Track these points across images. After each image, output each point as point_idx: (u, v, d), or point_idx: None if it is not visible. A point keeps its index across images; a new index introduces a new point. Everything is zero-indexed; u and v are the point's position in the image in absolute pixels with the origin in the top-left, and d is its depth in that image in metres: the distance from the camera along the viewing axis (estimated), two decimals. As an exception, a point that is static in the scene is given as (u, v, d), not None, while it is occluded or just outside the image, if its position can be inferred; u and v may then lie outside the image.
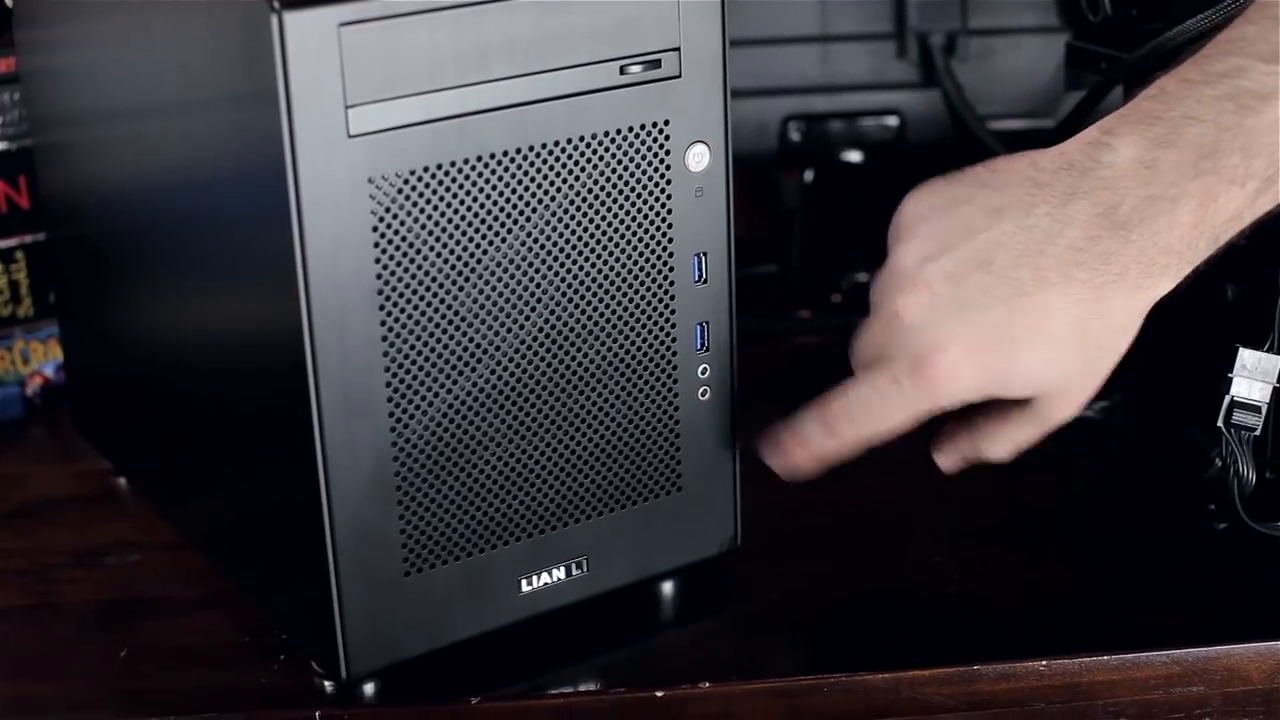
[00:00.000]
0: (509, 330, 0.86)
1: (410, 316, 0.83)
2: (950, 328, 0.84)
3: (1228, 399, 0.93)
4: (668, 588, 0.96)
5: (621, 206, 0.87)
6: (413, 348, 0.83)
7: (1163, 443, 1.04)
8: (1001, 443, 0.88)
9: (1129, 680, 0.90)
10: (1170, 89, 0.83)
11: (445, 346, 0.84)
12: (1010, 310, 0.83)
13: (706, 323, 0.91)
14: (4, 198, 1.22)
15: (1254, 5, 0.83)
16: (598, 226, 0.87)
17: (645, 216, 0.88)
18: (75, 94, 1.03)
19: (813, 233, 1.37)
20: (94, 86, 1.00)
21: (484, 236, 0.84)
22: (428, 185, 0.82)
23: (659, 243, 0.89)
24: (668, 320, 0.90)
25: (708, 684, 0.88)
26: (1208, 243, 0.82)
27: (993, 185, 0.86)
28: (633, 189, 0.87)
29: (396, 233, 0.81)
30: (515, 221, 0.84)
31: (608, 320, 0.88)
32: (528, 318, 0.86)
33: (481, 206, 0.83)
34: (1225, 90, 0.81)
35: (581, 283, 0.87)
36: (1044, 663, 0.89)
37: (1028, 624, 0.93)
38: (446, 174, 0.82)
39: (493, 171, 0.83)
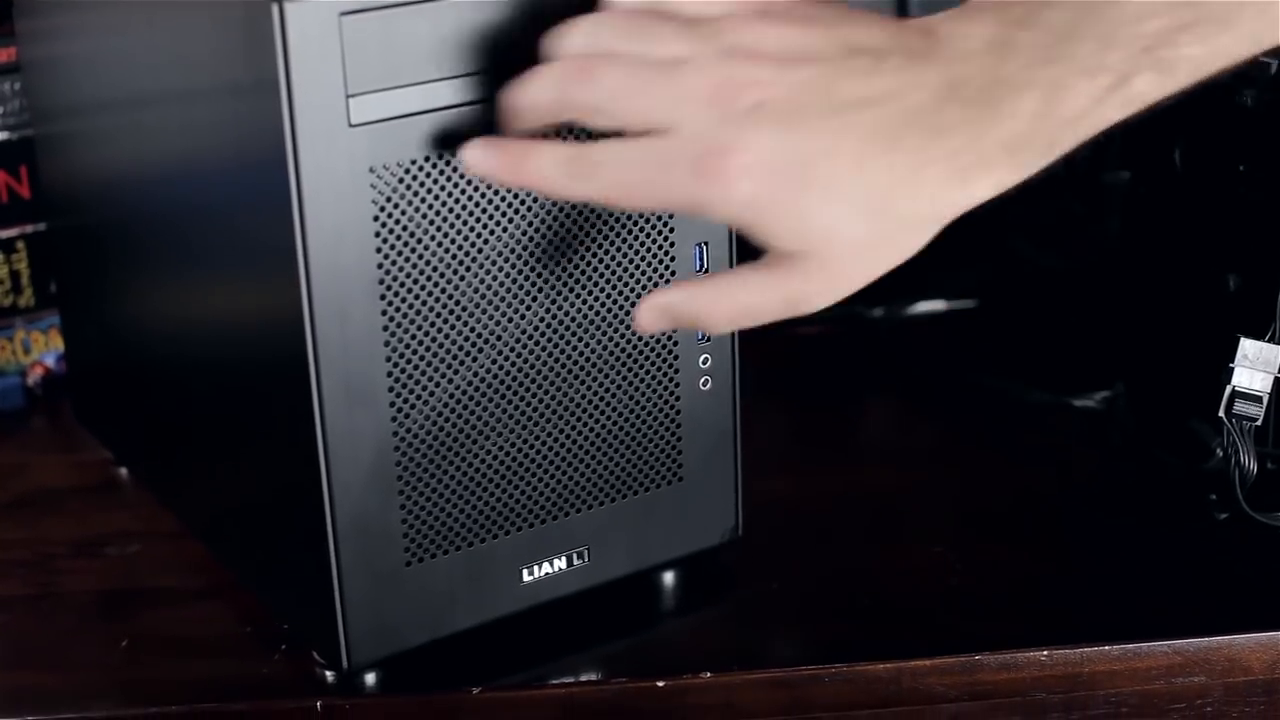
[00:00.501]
0: (510, 320, 0.86)
1: (411, 306, 0.83)
2: (760, 136, 0.75)
3: (1229, 389, 0.93)
4: (669, 578, 0.96)
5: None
6: (414, 337, 0.83)
7: (1164, 433, 1.04)
8: (727, 301, 0.78)
9: (1130, 670, 0.90)
10: None
11: (446, 336, 0.84)
12: (825, 150, 0.75)
13: (708, 312, 0.91)
14: (5, 188, 1.22)
15: None
16: (599, 215, 0.87)
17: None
18: (76, 84, 1.03)
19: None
20: (95, 77, 1.00)
21: (485, 226, 0.84)
22: (429, 175, 0.82)
23: (660, 232, 0.88)
24: (669, 310, 0.90)
25: (709, 674, 0.88)
26: (1046, 143, 0.75)
27: (859, 24, 0.78)
28: (634, 178, 0.87)
29: (397, 222, 0.81)
30: (516, 211, 0.84)
31: (609, 310, 0.88)
32: (529, 307, 0.86)
33: (482, 196, 0.83)
34: None
35: (582, 272, 0.87)
36: (1045, 653, 0.89)
37: (1029, 614, 0.93)
38: (447, 163, 0.82)
39: (494, 161, 0.83)
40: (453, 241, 0.83)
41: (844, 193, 0.75)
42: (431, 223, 0.82)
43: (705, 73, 0.75)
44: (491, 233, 0.84)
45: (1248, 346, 0.93)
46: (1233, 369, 0.93)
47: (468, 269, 0.84)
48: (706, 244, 0.90)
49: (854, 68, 0.76)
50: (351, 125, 0.79)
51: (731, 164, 0.74)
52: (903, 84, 0.76)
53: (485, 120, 0.82)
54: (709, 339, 0.92)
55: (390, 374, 0.83)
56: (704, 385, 0.92)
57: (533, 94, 0.78)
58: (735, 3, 0.78)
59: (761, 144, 0.74)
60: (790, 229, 0.75)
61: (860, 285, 0.77)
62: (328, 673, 0.89)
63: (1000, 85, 0.75)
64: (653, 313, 0.79)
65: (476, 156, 0.79)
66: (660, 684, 0.88)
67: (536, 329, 0.86)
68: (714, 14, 0.78)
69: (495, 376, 0.86)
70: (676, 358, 0.91)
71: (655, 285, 0.89)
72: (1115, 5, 0.75)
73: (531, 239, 0.85)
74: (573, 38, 0.78)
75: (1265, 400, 0.93)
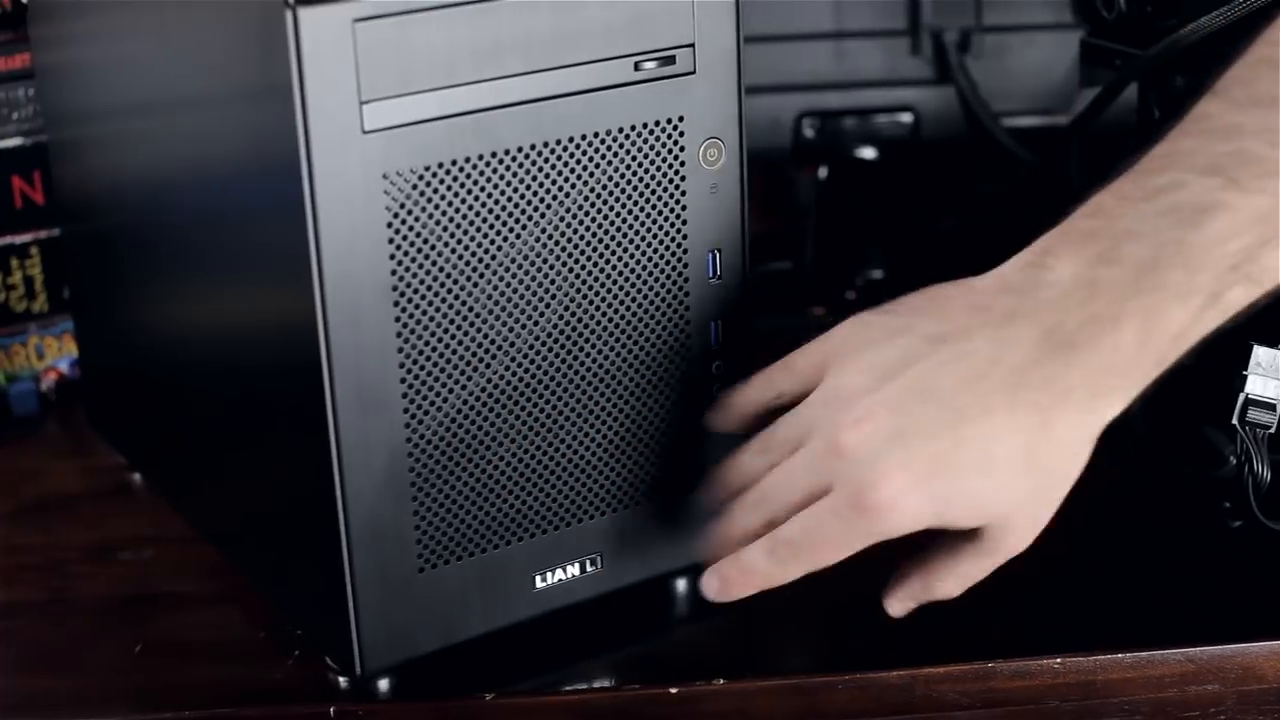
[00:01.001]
0: (523, 326, 0.86)
1: (424, 312, 0.83)
2: (893, 458, 0.81)
3: (1242, 397, 0.93)
4: (681, 584, 0.96)
5: (636, 203, 0.87)
6: (427, 343, 0.83)
7: (1178, 440, 1.04)
8: (952, 580, 0.85)
9: (1144, 678, 0.89)
10: (1108, 206, 0.81)
11: (460, 342, 0.84)
12: (954, 439, 0.80)
13: (721, 320, 0.91)
14: (19, 193, 1.22)
15: (1189, 118, 0.82)
16: (612, 223, 0.87)
17: (659, 213, 0.88)
18: (89, 90, 1.03)
19: (827, 229, 1.37)
20: (108, 82, 1.00)
21: (498, 232, 0.84)
22: (442, 181, 0.82)
23: (673, 239, 0.88)
24: (682, 317, 0.90)
25: (722, 681, 0.88)
26: (1154, 362, 0.80)
27: (930, 312, 0.84)
28: (647, 185, 0.87)
29: (411, 228, 0.81)
30: (530, 217, 0.84)
31: (622, 317, 0.88)
32: (542, 314, 0.86)
33: (496, 202, 0.83)
34: (1164, 205, 0.80)
35: (596, 279, 0.87)
36: (1059, 660, 0.89)
37: (1043, 621, 0.93)
38: (461, 170, 0.82)
39: (507, 167, 0.83)
40: (466, 248, 0.83)
41: (989, 469, 0.80)
42: (445, 229, 0.82)
43: (823, 434, 0.82)
44: (505, 240, 0.84)
45: (1261, 354, 0.93)
46: (1246, 376, 0.93)
47: (481, 276, 0.84)
48: (720, 251, 0.90)
49: (945, 357, 0.82)
50: (365, 131, 0.79)
51: (883, 496, 0.80)
52: (999, 350, 0.81)
53: (497, 127, 0.82)
54: (722, 345, 0.91)
55: (404, 380, 0.83)
56: (717, 393, 0.92)
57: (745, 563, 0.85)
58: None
59: (897, 465, 0.80)
60: (966, 515, 0.81)
61: (1047, 520, 0.83)
62: (341, 678, 0.89)
63: (1096, 323, 0.79)
64: (901, 604, 0.87)
65: (714, 587, 0.85)
66: (673, 690, 0.88)
67: (550, 336, 0.86)
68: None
69: (508, 383, 0.86)
70: (690, 365, 0.91)
71: (668, 293, 0.89)
72: (1196, 231, 0.79)
73: (545, 246, 0.85)
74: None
75: (1279, 408, 0.92)
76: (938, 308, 0.84)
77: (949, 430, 0.80)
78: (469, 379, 0.85)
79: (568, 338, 0.87)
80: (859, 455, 0.81)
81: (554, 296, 0.86)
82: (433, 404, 0.84)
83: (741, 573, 0.85)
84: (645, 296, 0.88)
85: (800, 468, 0.83)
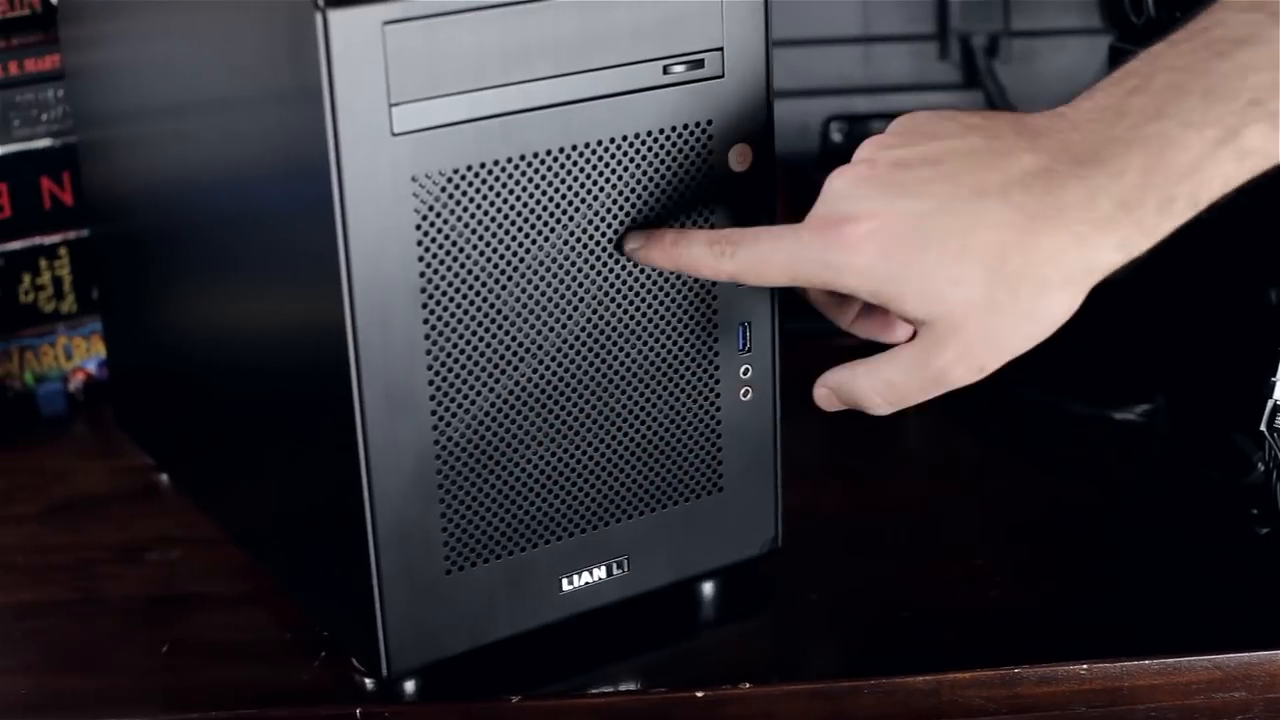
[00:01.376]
0: (551, 329, 0.86)
1: (453, 314, 0.83)
2: (873, 204, 0.80)
3: (1270, 403, 0.93)
4: (708, 588, 0.96)
5: (664, 206, 0.87)
6: (455, 346, 0.83)
7: (1205, 447, 1.03)
8: (881, 385, 0.83)
9: (1170, 685, 0.89)
10: (1155, 49, 0.81)
11: (487, 345, 0.84)
12: (936, 208, 0.79)
13: (748, 323, 0.91)
14: (48, 194, 1.23)
15: None
16: (640, 226, 0.87)
17: (688, 216, 0.88)
18: (119, 91, 1.04)
19: (854, 233, 1.37)
20: (138, 84, 1.00)
21: (526, 235, 0.84)
22: (470, 184, 0.82)
23: (701, 242, 0.88)
24: (710, 320, 0.90)
25: (748, 685, 0.88)
26: (1158, 202, 0.77)
27: (981, 113, 0.83)
28: (676, 189, 0.87)
29: (440, 231, 0.82)
30: (558, 221, 0.85)
31: (650, 320, 0.88)
32: (570, 316, 0.86)
33: (524, 205, 0.83)
34: (1201, 41, 0.79)
35: (623, 282, 0.87)
36: (1085, 666, 0.89)
37: (1069, 627, 0.93)
38: (489, 173, 0.82)
39: (535, 171, 0.83)
40: (494, 250, 0.83)
41: (958, 250, 0.78)
42: (474, 232, 0.82)
43: (842, 170, 0.83)
44: (533, 242, 0.84)
45: (1290, 360, 0.93)
46: (1274, 383, 0.93)
47: (509, 278, 0.84)
48: (748, 254, 0.90)
49: (969, 141, 0.80)
50: (394, 134, 0.80)
51: (855, 231, 0.79)
52: (1015, 149, 0.79)
53: (526, 130, 0.82)
54: (750, 349, 0.91)
55: (432, 382, 0.83)
56: (744, 396, 0.92)
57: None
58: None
59: (881, 210, 0.79)
60: (915, 292, 0.79)
61: (1000, 358, 0.80)
62: (367, 680, 0.89)
63: (1109, 144, 0.78)
64: (825, 390, 0.86)
65: (635, 244, 0.86)
66: (699, 694, 0.88)
67: (577, 338, 0.86)
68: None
69: (536, 386, 0.86)
70: (717, 368, 0.91)
71: (696, 296, 0.89)
72: (1223, 60, 0.77)
73: (573, 249, 0.85)
74: None
75: (1307, 414, 0.92)
76: (988, 115, 0.83)
77: (936, 199, 0.79)
78: (497, 381, 0.85)
79: (595, 340, 0.87)
80: (844, 191, 0.81)
81: (582, 299, 0.86)
82: (461, 406, 0.84)
83: (671, 249, 0.85)
84: (673, 299, 0.88)
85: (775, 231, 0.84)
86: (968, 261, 0.78)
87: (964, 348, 0.80)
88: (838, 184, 0.82)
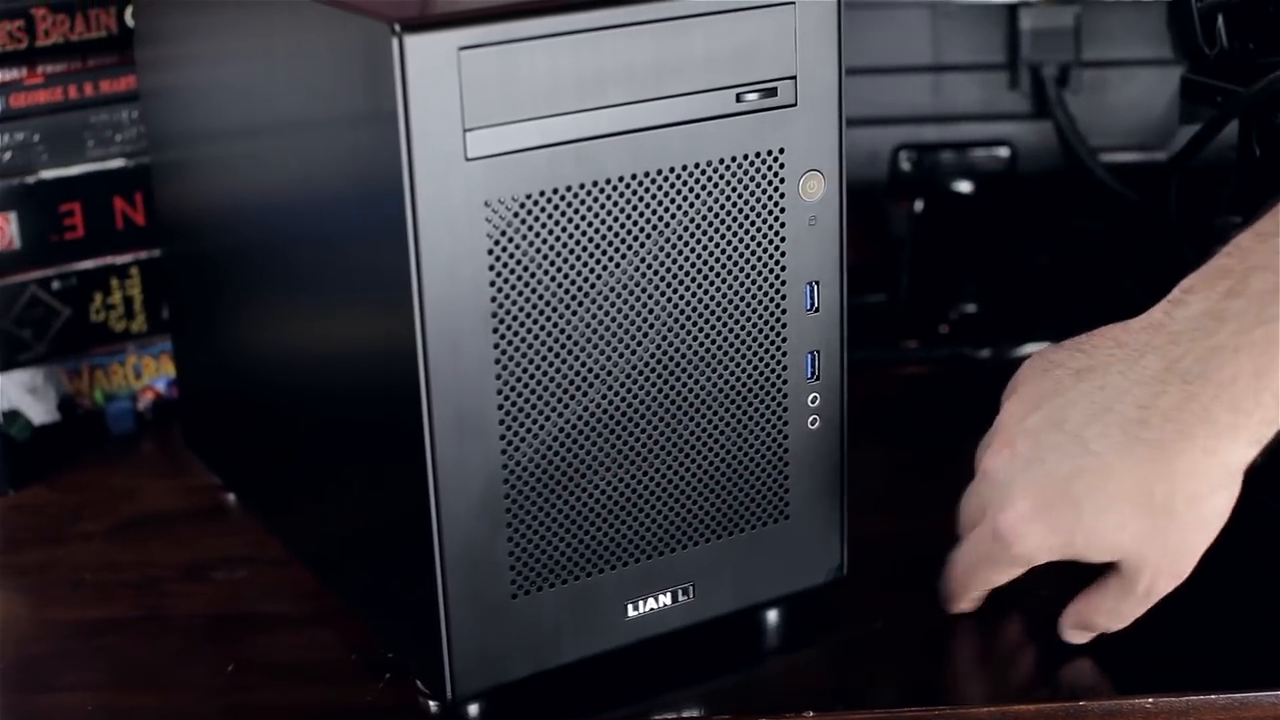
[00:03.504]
0: (621, 355, 0.86)
1: (524, 339, 0.83)
2: (1021, 485, 0.85)
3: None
4: (773, 615, 0.95)
5: (735, 234, 0.87)
6: (525, 370, 0.83)
7: (1268, 476, 1.03)
8: (1105, 613, 0.89)
9: (1236, 720, 0.89)
10: (1245, 244, 0.82)
11: (558, 370, 0.84)
12: (1074, 468, 0.83)
13: (818, 351, 0.91)
14: (120, 214, 1.24)
15: None
16: (711, 253, 0.87)
17: (759, 244, 0.88)
18: (193, 112, 1.04)
19: (922, 263, 1.36)
20: (212, 105, 1.01)
21: (598, 261, 0.84)
22: (543, 209, 0.82)
23: (772, 270, 0.89)
24: (779, 348, 0.90)
25: (812, 713, 0.88)
26: (1275, 397, 0.80)
27: (1085, 348, 0.87)
28: (747, 216, 0.87)
29: (512, 256, 0.82)
30: (630, 246, 0.85)
31: (720, 347, 0.88)
32: (640, 343, 0.86)
33: (596, 231, 0.84)
34: None
35: (694, 309, 0.87)
36: (1150, 700, 0.88)
37: (1135, 661, 0.92)
38: (562, 198, 0.82)
39: (608, 197, 0.83)
40: (566, 276, 0.83)
41: (1107, 500, 0.83)
42: (545, 257, 0.83)
43: (980, 461, 0.90)
44: (605, 268, 0.84)
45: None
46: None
47: (580, 304, 0.84)
48: (818, 283, 0.90)
49: (1083, 389, 0.85)
50: (468, 159, 0.80)
51: (1009, 521, 0.85)
52: (1128, 384, 0.83)
53: (599, 156, 0.82)
54: (818, 377, 0.91)
55: (501, 406, 0.83)
56: (812, 424, 0.92)
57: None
58: None
59: (1024, 491, 0.84)
60: (1093, 546, 0.85)
61: (1191, 560, 0.86)
62: (432, 703, 0.89)
63: (1215, 354, 0.80)
64: (1071, 630, 0.91)
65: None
66: (763, 722, 0.88)
67: (647, 364, 0.87)
68: None
69: (605, 411, 0.86)
70: (786, 396, 0.91)
71: (765, 323, 0.89)
72: None
73: (644, 274, 0.85)
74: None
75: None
76: (1091, 344, 0.87)
77: (1070, 460, 0.83)
78: (566, 406, 0.85)
79: (665, 367, 0.87)
80: (996, 479, 0.86)
81: (652, 325, 0.86)
82: (529, 431, 0.84)
83: (943, 592, 0.93)
84: (742, 327, 0.89)
85: (966, 502, 0.91)
86: (1120, 505, 0.82)
87: (1154, 569, 0.85)
88: (992, 470, 0.88)
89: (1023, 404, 0.87)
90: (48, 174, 1.21)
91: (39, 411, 1.24)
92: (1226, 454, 0.80)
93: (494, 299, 0.82)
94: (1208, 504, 0.82)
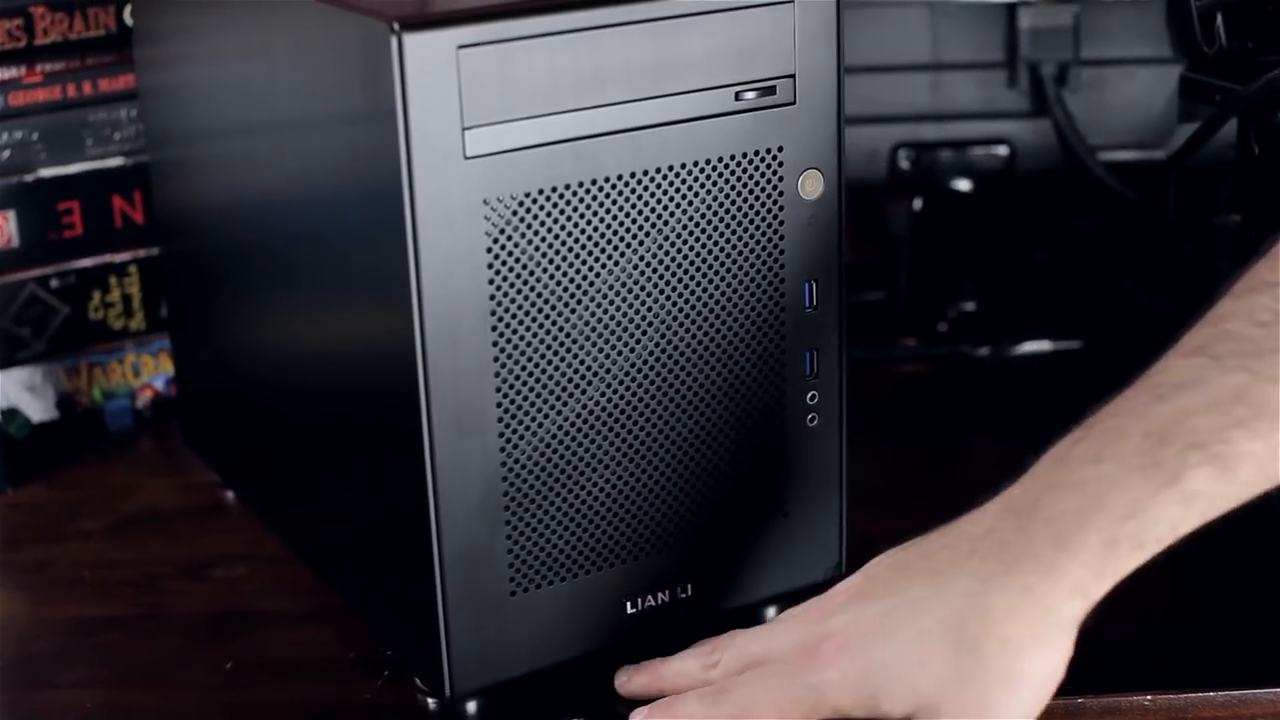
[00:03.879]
0: (620, 353, 0.86)
1: (522, 337, 0.83)
2: (846, 617, 0.80)
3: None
4: (772, 613, 0.95)
5: (734, 232, 0.87)
6: (524, 368, 0.83)
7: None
8: None
9: (1235, 717, 0.89)
10: (1110, 401, 0.79)
11: (556, 368, 0.84)
12: (897, 601, 0.79)
13: (816, 349, 0.91)
14: (119, 213, 1.24)
15: (1199, 320, 0.79)
16: (710, 251, 0.87)
17: (757, 242, 0.88)
18: (192, 111, 1.04)
19: (920, 261, 1.37)
20: (211, 104, 1.01)
21: (597, 259, 0.84)
22: (542, 207, 0.82)
23: (770, 269, 0.89)
24: (778, 346, 0.90)
25: (810, 711, 0.88)
26: (1103, 543, 0.75)
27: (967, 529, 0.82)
28: (746, 215, 0.87)
29: (510, 254, 0.82)
30: (628, 245, 0.85)
31: (718, 345, 0.88)
32: (639, 341, 0.86)
33: (595, 229, 0.84)
34: (1144, 386, 0.78)
35: (693, 307, 0.87)
36: (1149, 697, 0.88)
37: (1133, 658, 0.92)
38: (561, 196, 0.82)
39: (606, 195, 0.84)
40: (565, 274, 0.83)
41: (919, 632, 0.77)
42: (544, 255, 0.83)
43: (790, 623, 0.84)
44: (603, 266, 0.84)
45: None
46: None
47: (579, 301, 0.84)
48: (816, 281, 0.90)
49: (929, 538, 0.82)
50: (467, 157, 0.80)
51: (826, 648, 0.80)
52: (963, 523, 0.80)
53: (597, 154, 0.83)
54: (817, 375, 0.91)
55: (500, 404, 0.83)
56: (811, 422, 0.92)
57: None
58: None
59: (844, 623, 0.80)
60: (889, 688, 0.78)
61: None
62: (430, 700, 0.89)
63: (1049, 492, 0.77)
64: None
65: (623, 678, 0.89)
66: (761, 720, 0.88)
67: (646, 362, 0.87)
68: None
69: (604, 409, 0.86)
70: (784, 394, 0.91)
71: (764, 322, 0.89)
72: (1161, 403, 0.76)
73: (642, 273, 0.85)
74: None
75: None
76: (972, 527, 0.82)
77: (896, 594, 0.79)
78: (564, 404, 0.85)
79: (663, 365, 0.87)
80: (811, 617, 0.82)
81: (650, 323, 0.86)
82: (528, 428, 0.84)
83: (669, 708, 0.84)
84: (741, 325, 0.89)
85: (757, 638, 0.85)
86: (929, 640, 0.77)
87: None
88: (813, 611, 0.83)
89: (871, 565, 0.84)
90: (46, 172, 1.21)
91: (38, 409, 1.24)
92: (1046, 597, 0.75)
93: (493, 297, 0.82)
94: (1023, 658, 0.76)
